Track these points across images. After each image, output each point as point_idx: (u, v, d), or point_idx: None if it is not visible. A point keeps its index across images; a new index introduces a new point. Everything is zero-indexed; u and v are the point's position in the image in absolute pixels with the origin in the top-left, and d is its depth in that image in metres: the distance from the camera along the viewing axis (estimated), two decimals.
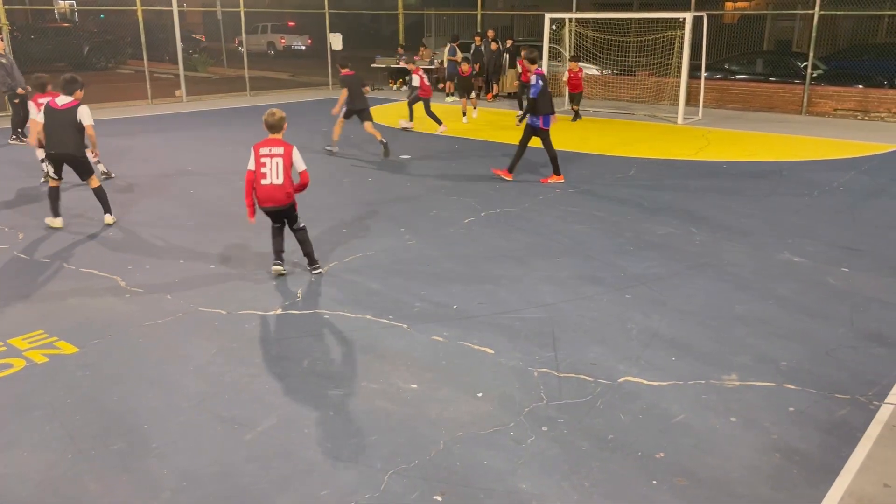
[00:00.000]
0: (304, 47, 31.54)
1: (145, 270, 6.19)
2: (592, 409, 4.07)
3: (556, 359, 4.66)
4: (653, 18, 15.73)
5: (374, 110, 16.49)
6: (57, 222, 7.32)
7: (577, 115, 15.00)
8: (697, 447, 3.73)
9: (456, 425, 3.91)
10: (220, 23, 26.95)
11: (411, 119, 13.90)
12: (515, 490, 3.39)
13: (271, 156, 5.73)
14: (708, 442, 3.78)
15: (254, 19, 27.73)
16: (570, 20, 16.86)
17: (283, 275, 6.06)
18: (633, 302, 5.59)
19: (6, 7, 14.84)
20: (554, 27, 16.58)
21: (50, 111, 6.95)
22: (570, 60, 14.94)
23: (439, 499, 3.32)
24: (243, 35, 20.10)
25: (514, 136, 12.99)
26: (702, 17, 14.36)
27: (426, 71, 20.95)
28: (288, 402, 4.15)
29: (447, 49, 19.23)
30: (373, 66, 21.67)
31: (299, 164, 5.84)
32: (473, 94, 15.82)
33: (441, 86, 19.64)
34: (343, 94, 10.95)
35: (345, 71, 11.18)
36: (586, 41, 17.26)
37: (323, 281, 6.00)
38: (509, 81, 18.70)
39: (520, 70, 15.66)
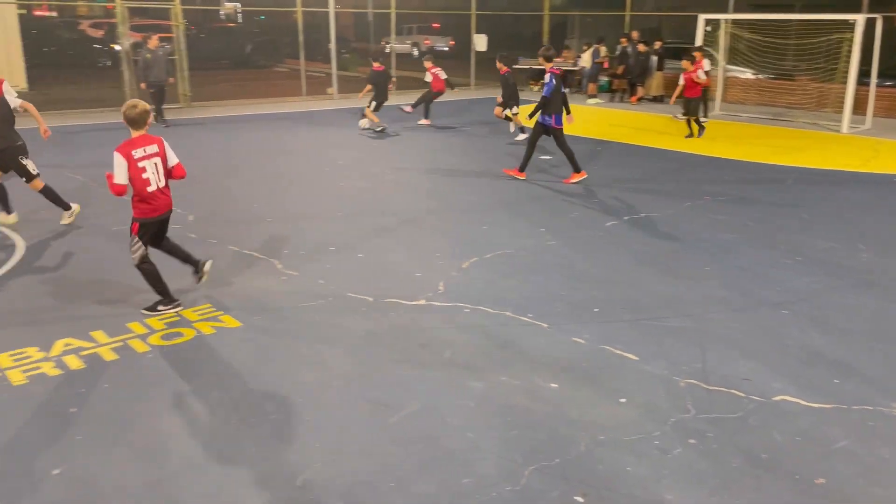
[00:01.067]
0: (447, 48, 32.13)
1: (300, 256, 6.54)
2: (744, 426, 3.87)
3: (704, 370, 4.47)
4: (819, 20, 14.71)
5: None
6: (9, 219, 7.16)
7: (700, 128, 12.87)
8: (863, 476, 3.46)
9: (597, 428, 3.85)
10: (370, 24, 27.98)
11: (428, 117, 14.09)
12: (660, 500, 3.29)
13: (148, 157, 4.93)
14: (875, 472, 3.49)
15: (401, 21, 28.56)
16: (726, 21, 16.11)
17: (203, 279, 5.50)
18: (791, 318, 5.27)
19: (182, 7, 16.13)
20: (708, 28, 15.90)
21: None
22: (687, 59, 12.87)
23: (581, 500, 3.29)
24: (392, 36, 20.76)
25: (659, 140, 12.60)
26: (875, 19, 13.28)
27: (569, 72, 20.73)
28: (430, 390, 4.25)
29: (590, 51, 18.95)
30: (514, 66, 21.71)
31: (172, 157, 5.11)
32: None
33: (584, 87, 19.37)
34: (367, 88, 12.72)
35: (376, 65, 12.66)
36: (740, 43, 16.43)
37: (463, 276, 6.09)
38: (656, 85, 18.15)
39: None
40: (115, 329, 4.96)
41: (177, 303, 5.26)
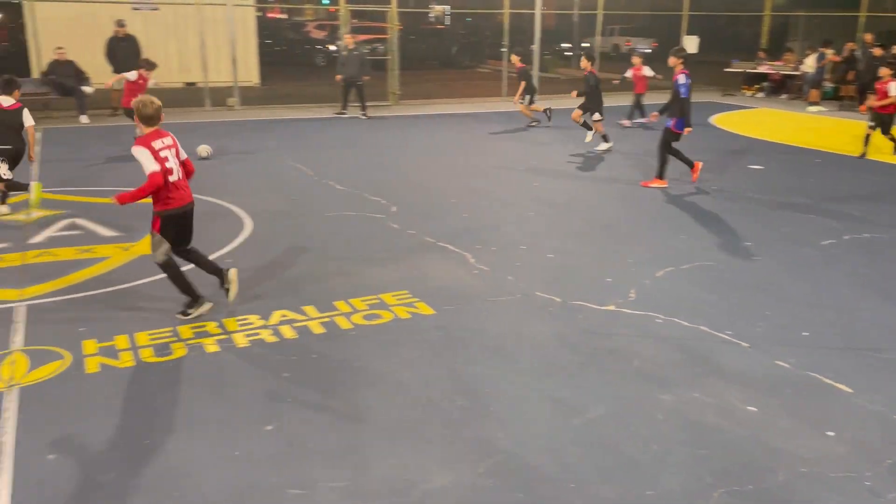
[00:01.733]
0: (649, 50, 31.11)
1: (491, 252, 6.70)
2: None
3: None
4: None
5: (724, 117, 15.68)
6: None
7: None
8: None
9: (798, 460, 3.58)
10: (574, 25, 27.79)
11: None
12: None
13: (167, 147, 4.89)
14: None
15: (606, 21, 28.09)
16: None
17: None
18: None
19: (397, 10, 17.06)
20: None
21: None
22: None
23: None
24: (597, 37, 20.48)
25: (888, 154, 11.32)
26: None
27: (789, 77, 19.30)
28: (616, 397, 4.18)
29: (815, 55, 17.46)
30: (726, 70, 20.56)
31: (182, 152, 5.05)
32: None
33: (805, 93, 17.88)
34: (522, 85, 13.60)
35: (520, 65, 13.65)
36: None
37: (657, 285, 5.90)
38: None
39: None
40: (324, 306, 5.40)
41: (206, 302, 5.15)
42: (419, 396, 4.17)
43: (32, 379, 4.27)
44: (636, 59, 13.87)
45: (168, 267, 5.01)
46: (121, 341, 4.75)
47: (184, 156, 5.08)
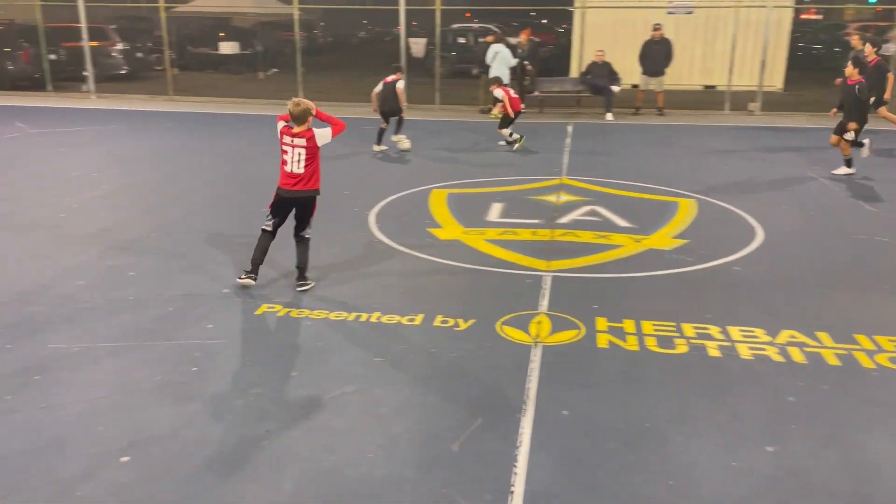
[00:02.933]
0: None
1: None
2: None
3: None
4: None
5: None
6: None
7: None
8: None
9: None
10: None
11: None
12: None
13: (294, 145, 5.53)
14: None
15: None
16: None
17: (247, 287, 5.62)
18: None
19: None
20: None
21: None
22: None
23: None
24: None
25: None
26: None
27: None
28: None
29: None
30: None
31: (325, 135, 5.57)
32: None
33: None
34: None
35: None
36: None
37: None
38: None
39: None
40: (840, 336, 4.87)
41: (252, 277, 5.64)
42: None
43: (553, 341, 4.86)
44: None
45: (261, 235, 5.69)
46: (628, 325, 5.06)
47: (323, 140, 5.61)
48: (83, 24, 17.60)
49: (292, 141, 5.52)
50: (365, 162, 10.65)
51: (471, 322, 5.11)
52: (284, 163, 5.56)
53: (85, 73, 17.88)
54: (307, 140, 5.50)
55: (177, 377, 4.32)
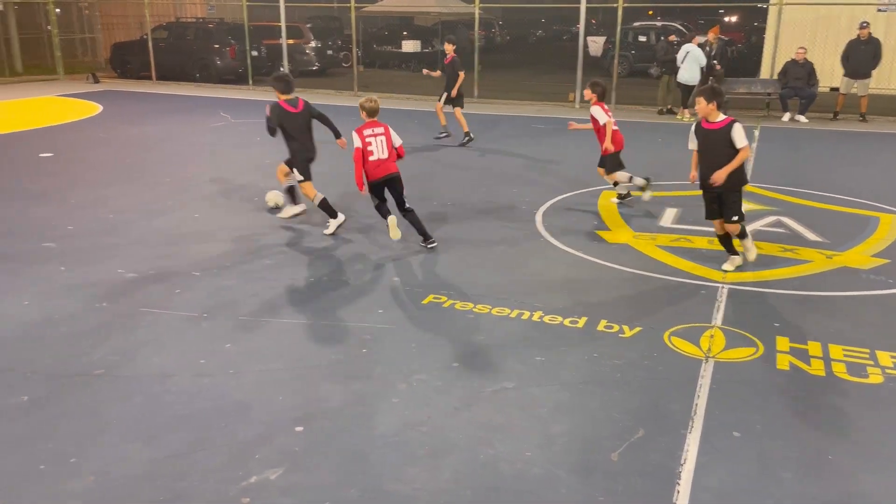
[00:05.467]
0: None
1: None
2: None
3: None
4: None
5: None
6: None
7: None
8: None
9: None
10: None
11: None
12: None
13: (375, 135, 6.44)
14: None
15: None
16: None
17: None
18: None
19: None
20: None
21: None
22: None
23: None
24: None
25: None
26: None
27: None
28: None
29: None
30: None
31: (396, 139, 6.55)
32: None
33: None
34: None
35: None
36: None
37: None
38: None
39: None
40: None
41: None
42: None
43: (727, 357, 4.57)
44: None
45: (375, 205, 6.67)
46: (813, 348, 4.65)
47: (397, 142, 6.51)
48: (283, 23, 19.05)
49: (373, 131, 6.44)
50: (537, 160, 10.62)
51: (637, 330, 4.94)
52: (370, 154, 6.38)
53: (281, 69, 19.34)
54: (384, 129, 6.50)
55: (348, 357, 4.56)
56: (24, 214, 7.57)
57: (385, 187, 6.53)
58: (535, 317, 5.14)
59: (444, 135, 12.12)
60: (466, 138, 11.70)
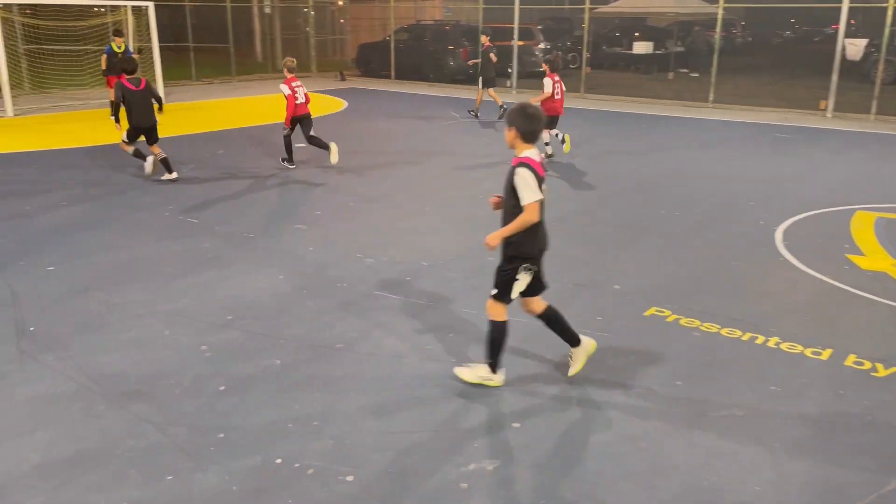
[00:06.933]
0: None
1: None
2: None
3: None
4: None
5: None
6: None
7: None
8: None
9: None
10: None
11: None
12: None
13: (300, 86, 9.48)
14: None
15: None
16: None
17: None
18: None
19: None
20: None
21: None
22: None
23: None
24: None
25: None
26: None
27: None
28: None
29: None
30: None
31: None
32: None
33: None
34: None
35: None
36: None
37: None
38: None
39: None
40: None
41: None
42: None
43: None
44: None
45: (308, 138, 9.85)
46: None
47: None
48: (515, 25, 19.41)
49: (298, 84, 9.45)
50: (778, 171, 9.83)
51: (893, 370, 4.39)
52: (296, 99, 9.37)
53: (509, 70, 19.72)
54: (301, 83, 9.59)
55: (559, 358, 4.55)
56: (281, 195, 8.51)
57: (300, 123, 9.53)
58: (771, 343, 4.77)
59: (503, 110, 13.45)
60: (472, 113, 14.75)
